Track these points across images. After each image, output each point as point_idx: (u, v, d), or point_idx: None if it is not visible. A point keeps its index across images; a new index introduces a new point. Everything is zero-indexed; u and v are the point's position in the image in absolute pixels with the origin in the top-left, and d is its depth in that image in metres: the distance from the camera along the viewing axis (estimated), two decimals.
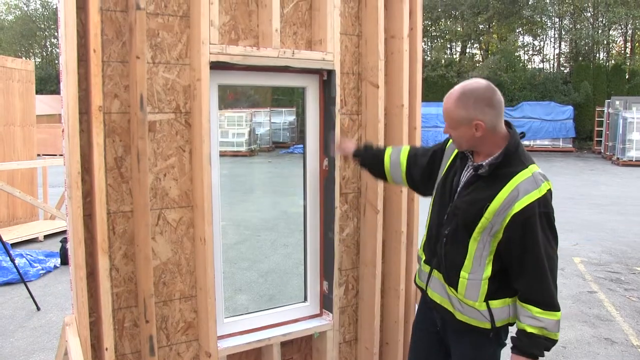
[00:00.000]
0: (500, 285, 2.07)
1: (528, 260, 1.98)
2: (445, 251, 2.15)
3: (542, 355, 2.01)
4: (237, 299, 5.42)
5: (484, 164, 2.06)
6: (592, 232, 8.50)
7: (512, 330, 2.15)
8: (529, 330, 2.00)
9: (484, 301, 2.07)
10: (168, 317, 2.55)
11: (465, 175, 2.16)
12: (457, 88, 2.05)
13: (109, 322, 2.29)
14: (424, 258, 2.32)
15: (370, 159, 2.65)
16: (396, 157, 2.55)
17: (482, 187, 2.06)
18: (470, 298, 2.09)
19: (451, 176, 2.21)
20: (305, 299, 2.99)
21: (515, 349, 2.04)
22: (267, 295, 5.54)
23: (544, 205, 1.96)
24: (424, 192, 2.55)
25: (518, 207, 1.95)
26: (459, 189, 2.16)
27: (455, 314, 2.15)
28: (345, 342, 3.11)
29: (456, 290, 2.12)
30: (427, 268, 2.28)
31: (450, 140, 2.32)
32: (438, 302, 2.22)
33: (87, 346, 2.24)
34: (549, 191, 2.00)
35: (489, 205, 2.00)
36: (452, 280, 2.13)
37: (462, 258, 2.09)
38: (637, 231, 8.62)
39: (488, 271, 2.06)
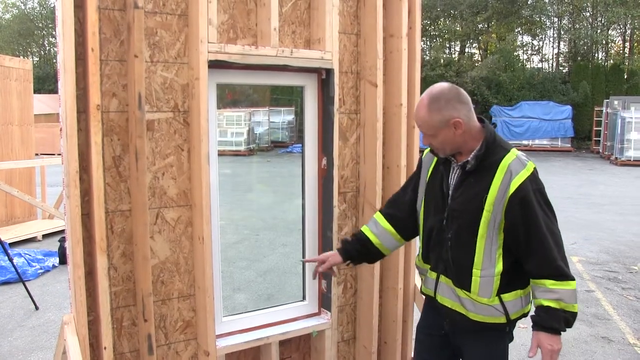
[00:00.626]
0: (510, 279, 2.08)
1: (532, 238, 1.99)
2: (451, 255, 2.15)
3: (564, 330, 1.99)
4: (235, 298, 5.42)
5: (469, 159, 2.08)
6: (590, 232, 8.52)
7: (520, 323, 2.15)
8: (546, 303, 1.98)
9: (496, 295, 2.08)
10: (166, 316, 2.55)
11: (453, 177, 2.17)
12: (424, 97, 2.07)
13: (108, 321, 2.29)
14: (429, 267, 2.30)
15: (359, 252, 2.44)
16: (374, 225, 2.44)
17: (473, 183, 2.08)
18: (483, 295, 2.08)
19: (438, 181, 2.22)
20: (304, 297, 2.99)
21: (535, 326, 2.02)
22: (266, 294, 5.55)
23: (535, 182, 2.01)
24: None
25: (513, 187, 1.98)
26: (450, 191, 2.16)
27: (469, 315, 2.14)
28: (343, 341, 3.11)
29: (469, 290, 2.10)
30: (433, 275, 2.27)
31: (425, 153, 2.34)
32: (449, 306, 2.21)
33: (85, 345, 2.24)
34: (535, 169, 2.05)
35: (486, 197, 2.02)
36: (463, 281, 2.12)
37: (471, 257, 2.08)
38: (635, 231, 8.63)
39: (500, 266, 2.06)
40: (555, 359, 2.00)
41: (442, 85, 2.08)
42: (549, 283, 1.98)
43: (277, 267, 6.49)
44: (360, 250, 2.44)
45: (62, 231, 7.67)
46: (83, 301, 2.22)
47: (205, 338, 2.53)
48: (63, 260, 6.34)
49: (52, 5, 35.07)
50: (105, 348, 2.27)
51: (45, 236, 7.88)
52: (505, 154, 2.04)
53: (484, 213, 2.02)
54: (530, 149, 23.39)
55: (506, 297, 2.08)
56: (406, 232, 2.42)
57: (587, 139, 24.64)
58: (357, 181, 3.04)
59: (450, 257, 2.15)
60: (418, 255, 2.42)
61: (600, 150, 21.88)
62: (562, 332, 2.00)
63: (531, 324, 2.06)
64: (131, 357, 2.49)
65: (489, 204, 2.01)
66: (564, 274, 1.98)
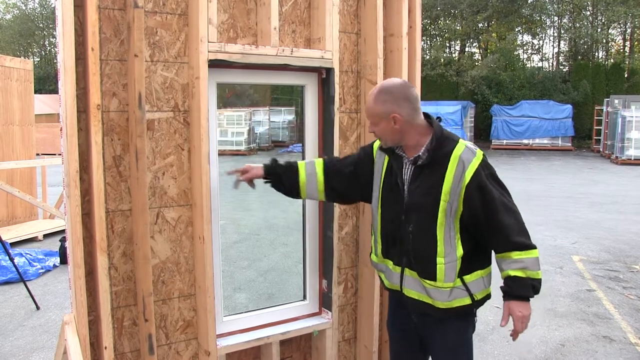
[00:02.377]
0: (470, 261, 2.18)
1: (492, 219, 2.10)
2: (414, 247, 2.21)
3: (532, 296, 2.12)
4: (236, 297, 5.42)
5: (420, 154, 2.17)
6: (591, 231, 8.51)
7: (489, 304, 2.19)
8: (513, 273, 2.11)
9: (458, 277, 2.16)
10: (167, 316, 2.55)
11: (407, 172, 2.25)
12: (376, 87, 2.22)
13: (108, 320, 2.29)
14: (391, 262, 2.35)
15: (283, 174, 2.49)
16: (311, 169, 2.50)
17: (427, 175, 2.17)
18: (449, 281, 2.16)
19: (394, 180, 2.29)
20: (305, 297, 2.99)
21: (505, 296, 2.16)
22: (267, 294, 5.54)
23: (486, 167, 2.14)
24: (349, 201, 2.67)
25: (468, 176, 2.08)
26: (406, 187, 2.23)
27: (436, 304, 2.21)
28: (344, 340, 3.11)
29: (435, 279, 2.17)
30: (397, 269, 2.32)
31: (376, 146, 2.40)
32: (416, 298, 2.27)
33: (86, 345, 2.24)
34: (484, 155, 2.16)
35: (442, 187, 2.11)
36: (428, 271, 2.19)
37: (434, 247, 2.16)
38: (636, 230, 8.62)
39: (460, 250, 2.15)
40: (526, 323, 2.14)
41: (394, 81, 2.22)
42: (514, 254, 2.11)
43: (277, 266, 6.49)
44: (284, 177, 2.50)
45: (63, 231, 7.67)
46: (83, 301, 2.22)
47: (205, 338, 2.53)
48: (64, 260, 6.34)
49: (53, 6, 35.07)
50: (105, 348, 2.27)
51: (46, 236, 7.88)
52: (455, 145, 2.15)
53: (441, 202, 2.12)
54: (530, 148, 23.37)
55: (467, 278, 2.18)
56: (332, 191, 2.50)
57: (587, 138, 24.62)
58: None
59: (414, 249, 2.21)
60: (374, 252, 2.47)
61: (601, 149, 21.85)
62: (530, 299, 2.13)
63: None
64: (132, 357, 2.49)
65: (445, 194, 2.11)
66: (525, 245, 2.11)
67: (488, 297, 2.27)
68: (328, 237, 2.90)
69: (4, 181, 7.39)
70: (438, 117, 2.26)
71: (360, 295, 3.08)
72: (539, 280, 2.12)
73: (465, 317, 2.27)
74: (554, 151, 23.08)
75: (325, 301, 2.97)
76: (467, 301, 2.20)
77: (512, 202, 2.16)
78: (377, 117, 2.18)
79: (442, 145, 2.15)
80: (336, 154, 2.82)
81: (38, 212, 8.64)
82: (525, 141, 23.54)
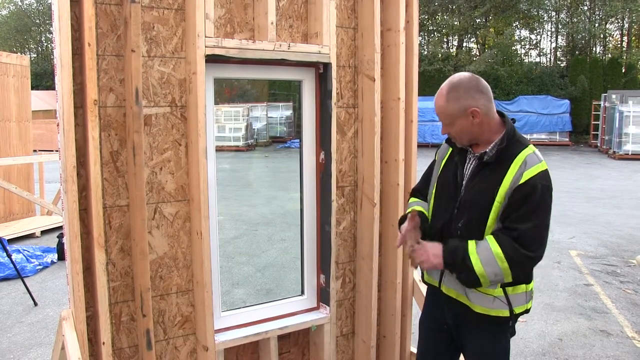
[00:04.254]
0: None
1: (520, 224, 1.97)
2: None
3: (448, 264, 2.05)
4: (234, 293, 5.42)
5: (487, 150, 2.08)
6: (588, 226, 8.53)
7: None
8: (470, 247, 2.01)
9: (500, 287, 2.08)
10: (165, 311, 2.55)
11: (469, 167, 2.17)
12: (444, 85, 2.10)
13: (106, 316, 2.29)
14: None
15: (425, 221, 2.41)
16: (415, 203, 2.44)
17: (487, 175, 2.08)
18: (491, 287, 2.08)
19: (452, 171, 2.21)
20: (303, 292, 3.00)
21: (444, 241, 2.10)
22: (265, 289, 5.55)
23: (545, 179, 2.01)
24: None
25: (525, 177, 1.98)
26: (464, 182, 2.16)
27: (474, 307, 2.13)
28: (342, 335, 3.12)
29: None
30: None
31: (441, 146, 2.35)
32: (454, 297, 2.21)
33: (84, 340, 2.24)
34: (547, 170, 2.05)
35: (499, 189, 2.01)
36: None
37: None
38: (633, 224, 8.65)
39: None
40: (421, 261, 2.11)
41: (462, 75, 2.10)
42: (492, 244, 1.98)
43: (275, 262, 6.50)
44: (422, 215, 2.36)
45: (61, 227, 7.62)
46: (81, 296, 2.22)
47: (204, 333, 2.53)
48: (62, 257, 6.34)
49: (49, 1, 34.92)
50: (103, 343, 2.27)
51: (43, 232, 7.88)
52: (523, 148, 2.06)
53: (495, 204, 2.03)
54: None
55: (510, 290, 2.09)
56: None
57: (585, 133, 24.66)
58: (355, 175, 3.04)
59: None
60: None
61: (598, 144, 21.90)
62: (445, 262, 2.06)
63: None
64: (130, 352, 2.49)
65: (500, 196, 2.01)
66: (509, 257, 1.95)
67: (526, 312, 2.16)
68: (326, 231, 2.90)
69: (2, 178, 7.38)
70: (513, 119, 2.17)
71: (358, 290, 3.09)
72: (471, 271, 1.98)
73: (501, 325, 2.16)
74: (551, 146, 23.11)
75: (323, 296, 2.97)
76: (505, 313, 2.10)
77: (547, 225, 2.01)
78: (453, 116, 2.06)
79: (512, 146, 2.06)
80: (334, 149, 2.82)
81: (35, 208, 8.63)
82: (523, 136, 23.56)
